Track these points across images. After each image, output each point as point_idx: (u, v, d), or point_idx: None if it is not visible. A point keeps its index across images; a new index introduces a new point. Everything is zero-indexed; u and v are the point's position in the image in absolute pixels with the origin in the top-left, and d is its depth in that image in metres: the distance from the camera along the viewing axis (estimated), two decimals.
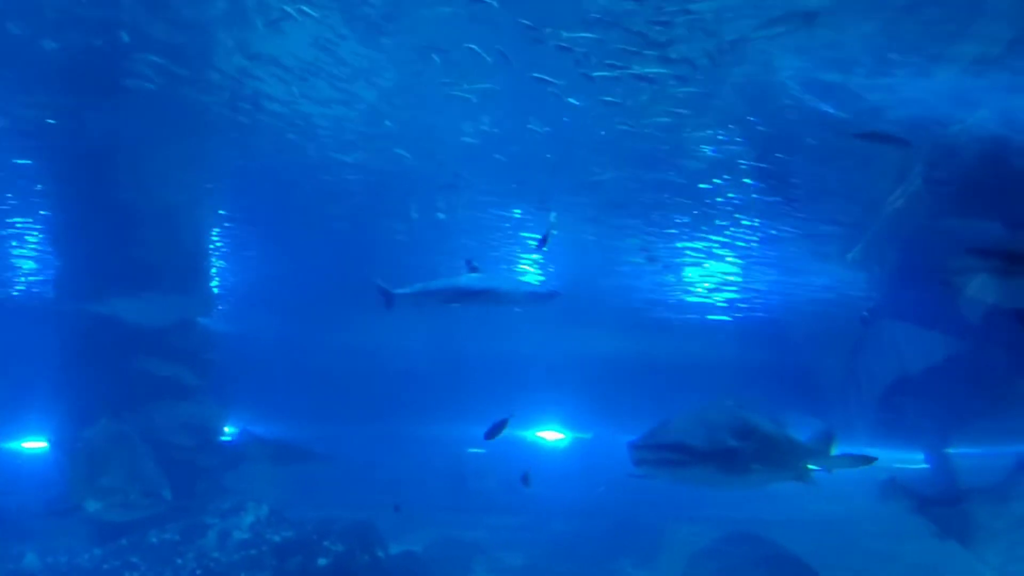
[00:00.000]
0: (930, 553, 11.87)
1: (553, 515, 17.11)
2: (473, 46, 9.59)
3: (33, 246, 17.45)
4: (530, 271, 19.63)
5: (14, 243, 17.15)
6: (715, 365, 21.10)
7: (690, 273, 18.07)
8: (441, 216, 15.52)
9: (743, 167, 12.43)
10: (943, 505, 12.38)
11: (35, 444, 17.67)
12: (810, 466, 8.07)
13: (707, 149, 11.95)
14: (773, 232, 14.98)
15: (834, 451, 8.40)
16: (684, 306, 20.40)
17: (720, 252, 16.39)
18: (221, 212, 16.13)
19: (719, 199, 13.67)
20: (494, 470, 21.35)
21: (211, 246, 17.63)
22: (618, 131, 11.43)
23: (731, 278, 18.27)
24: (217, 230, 17.00)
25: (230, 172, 14.09)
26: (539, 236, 15.96)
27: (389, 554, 12.71)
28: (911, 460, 15.00)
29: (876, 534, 12.42)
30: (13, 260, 18.53)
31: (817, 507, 14.29)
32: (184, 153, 13.24)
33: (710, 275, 18.16)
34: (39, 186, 14.52)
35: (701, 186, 13.20)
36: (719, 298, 19.63)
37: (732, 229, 15.09)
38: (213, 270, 19.13)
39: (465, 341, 24.29)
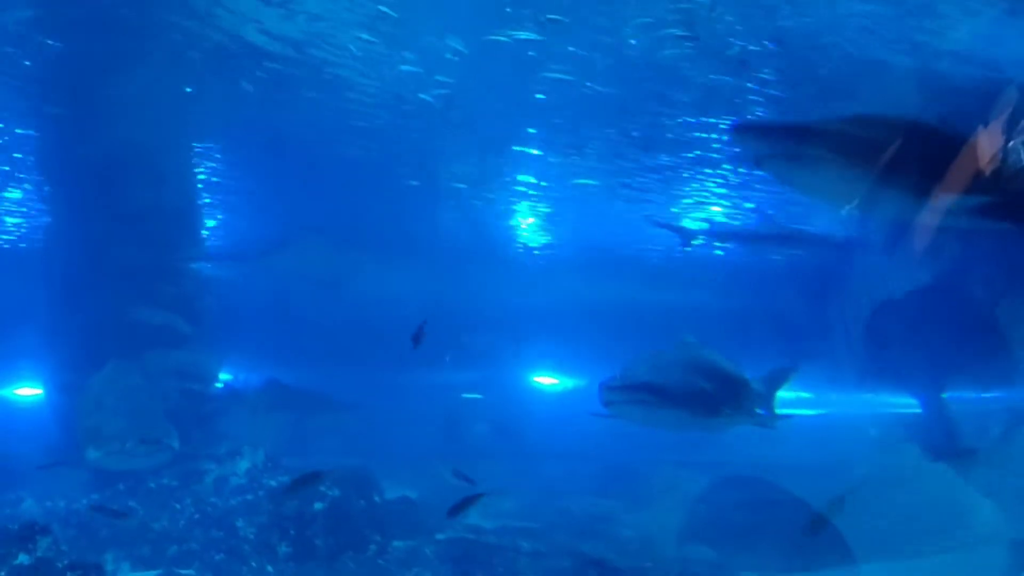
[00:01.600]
0: (923, 500, 11.98)
1: (545, 459, 17.28)
2: None
3: (22, 194, 17.35)
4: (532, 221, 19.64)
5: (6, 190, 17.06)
6: (708, 310, 21.17)
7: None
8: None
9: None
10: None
11: (29, 391, 17.75)
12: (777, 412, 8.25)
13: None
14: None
15: (784, 390, 8.50)
16: (674, 250, 20.35)
17: (717, 191, 16.34)
18: (215, 157, 16.01)
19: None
20: (488, 415, 21.56)
21: (203, 188, 17.54)
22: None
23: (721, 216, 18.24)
24: (207, 173, 16.90)
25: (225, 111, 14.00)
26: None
27: (385, 499, 12.83)
28: (903, 405, 15.15)
29: (867, 480, 12.51)
30: (3, 205, 18.45)
31: (808, 453, 14.44)
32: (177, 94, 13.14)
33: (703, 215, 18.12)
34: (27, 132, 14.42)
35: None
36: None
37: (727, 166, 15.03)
38: (208, 218, 19.06)
39: (460, 290, 24.28)
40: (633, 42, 10.77)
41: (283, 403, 18.20)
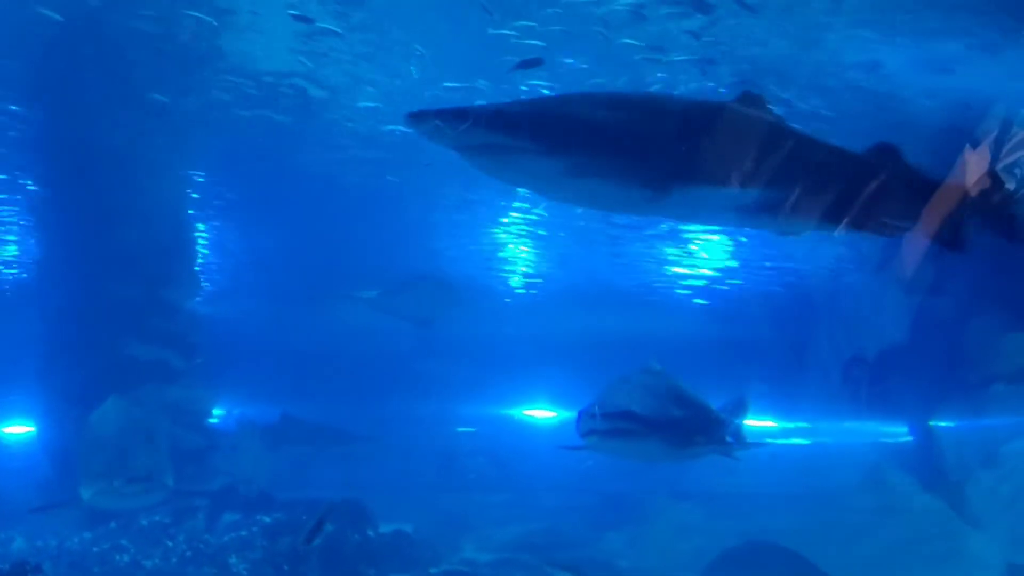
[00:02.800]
0: (915, 528, 11.99)
1: (541, 491, 17.24)
2: None
3: (15, 229, 17.35)
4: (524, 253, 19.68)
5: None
6: (699, 343, 21.22)
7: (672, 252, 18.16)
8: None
9: None
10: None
11: (20, 428, 17.68)
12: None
13: None
14: None
15: (745, 420, 8.43)
16: (668, 285, 20.49)
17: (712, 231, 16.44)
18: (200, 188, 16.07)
19: None
20: (483, 448, 21.51)
21: (195, 229, 17.58)
22: None
23: (720, 256, 18.37)
24: (201, 215, 16.96)
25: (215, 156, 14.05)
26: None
27: (379, 533, 12.79)
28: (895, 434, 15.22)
29: (859, 509, 12.55)
30: None
31: (801, 481, 14.48)
32: (169, 140, 13.20)
33: (696, 254, 18.25)
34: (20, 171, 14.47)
35: None
36: (705, 273, 19.70)
37: None
38: (199, 257, 19.09)
39: (452, 322, 24.29)
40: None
41: (297, 437, 18.17)
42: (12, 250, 18.54)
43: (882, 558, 11.01)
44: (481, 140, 4.62)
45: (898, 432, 14.75)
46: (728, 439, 8.05)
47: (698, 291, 20.82)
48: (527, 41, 9.72)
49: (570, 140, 4.70)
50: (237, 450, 16.39)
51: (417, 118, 4.62)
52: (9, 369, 16.42)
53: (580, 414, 7.19)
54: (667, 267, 19.30)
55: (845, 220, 5.39)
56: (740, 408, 8.76)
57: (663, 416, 7.20)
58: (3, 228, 17.19)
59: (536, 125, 4.72)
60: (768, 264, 18.60)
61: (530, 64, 9.68)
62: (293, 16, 9.47)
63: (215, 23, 9.80)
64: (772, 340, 21.26)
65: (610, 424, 7.02)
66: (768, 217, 5.30)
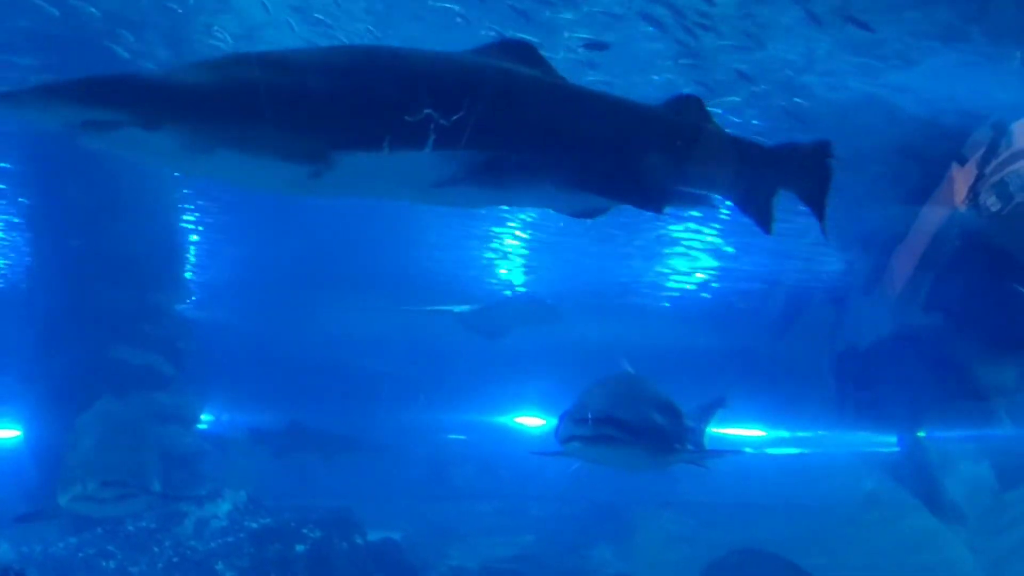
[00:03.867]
0: (905, 539, 12.01)
1: (530, 500, 17.23)
2: None
3: (2, 231, 17.28)
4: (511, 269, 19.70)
5: None
6: (690, 350, 21.25)
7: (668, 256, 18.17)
8: None
9: None
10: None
11: (7, 433, 17.54)
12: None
13: None
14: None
15: (714, 423, 8.19)
16: (658, 292, 20.53)
17: (705, 235, 16.46)
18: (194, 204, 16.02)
19: None
20: (473, 457, 21.47)
21: (187, 234, 17.53)
22: None
23: (712, 263, 18.39)
24: (192, 217, 16.90)
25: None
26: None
27: (368, 541, 12.73)
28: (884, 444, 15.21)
29: (850, 520, 12.56)
30: None
31: (789, 491, 14.48)
32: None
33: (692, 260, 18.28)
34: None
35: None
36: (696, 280, 19.75)
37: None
38: (189, 258, 19.04)
39: (441, 331, 24.27)
40: None
41: (306, 445, 18.12)
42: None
43: (870, 569, 11.02)
44: (82, 116, 3.87)
45: (888, 442, 14.77)
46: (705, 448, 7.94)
47: (688, 298, 20.85)
48: None
49: (184, 109, 3.93)
50: (229, 456, 16.39)
51: (7, 100, 3.82)
52: None
53: (561, 419, 6.96)
54: (657, 274, 19.34)
55: (635, 188, 4.76)
56: (708, 414, 8.49)
57: (646, 423, 7.00)
58: None
59: (143, 94, 3.96)
60: (758, 271, 18.66)
61: (596, 47, 9.58)
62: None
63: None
64: (760, 348, 21.32)
65: (593, 430, 6.76)
66: (518, 189, 4.67)
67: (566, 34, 9.63)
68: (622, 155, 4.72)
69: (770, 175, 5.33)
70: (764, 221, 5.33)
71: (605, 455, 7.07)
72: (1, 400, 17.54)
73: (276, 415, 19.81)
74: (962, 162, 10.68)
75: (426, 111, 4.05)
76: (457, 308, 18.72)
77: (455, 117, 4.05)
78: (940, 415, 12.96)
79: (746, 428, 24.22)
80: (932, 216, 11.38)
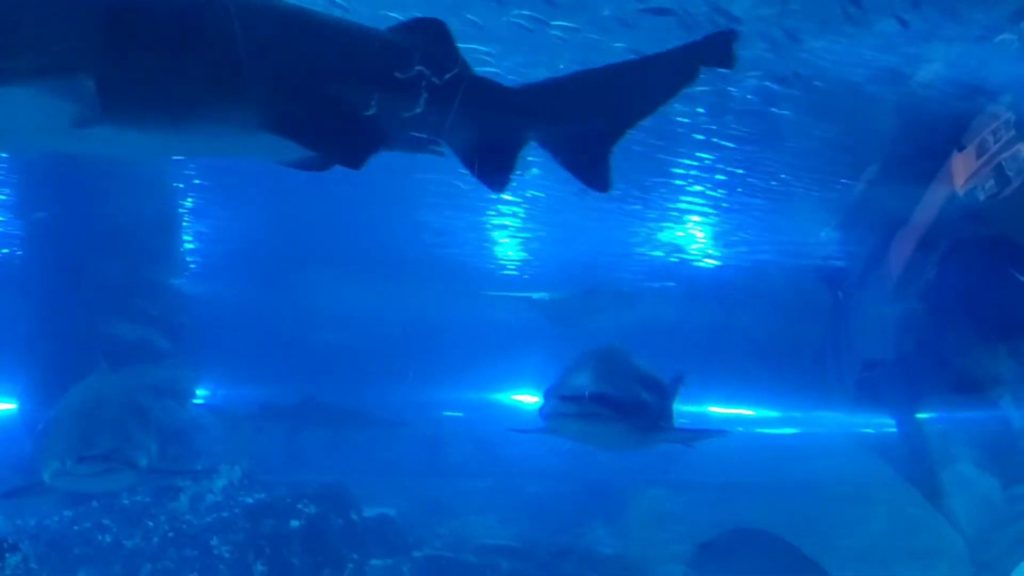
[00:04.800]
0: (897, 522, 12.04)
1: (525, 477, 17.27)
2: None
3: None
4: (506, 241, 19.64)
5: None
6: (686, 328, 21.26)
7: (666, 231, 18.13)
8: None
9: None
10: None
11: (1, 406, 17.54)
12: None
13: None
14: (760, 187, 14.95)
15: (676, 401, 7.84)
16: (655, 268, 20.49)
17: (701, 209, 16.41)
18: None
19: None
20: (469, 434, 21.49)
21: (183, 206, 17.45)
22: None
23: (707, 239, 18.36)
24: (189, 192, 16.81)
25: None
26: None
27: (363, 516, 12.79)
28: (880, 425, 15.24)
29: (844, 498, 12.60)
30: None
31: (784, 471, 14.50)
32: None
33: (686, 234, 18.24)
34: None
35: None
36: (691, 255, 19.73)
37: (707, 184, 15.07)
38: (186, 235, 18.97)
39: (439, 306, 24.26)
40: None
41: (320, 420, 18.15)
42: None
43: (864, 551, 11.05)
44: None
45: (884, 423, 14.79)
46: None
47: (684, 274, 20.79)
48: None
49: None
50: (240, 431, 16.42)
51: None
52: None
53: (547, 395, 6.75)
54: (654, 250, 19.30)
55: (332, 134, 3.86)
56: (672, 390, 8.09)
57: (635, 400, 6.83)
58: None
59: None
60: (757, 248, 18.62)
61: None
62: None
63: None
64: (756, 327, 21.33)
65: (581, 407, 6.56)
66: (191, 131, 3.72)
67: None
68: (319, 89, 3.78)
69: (521, 123, 4.52)
70: (496, 182, 4.54)
71: (591, 432, 6.92)
72: None
73: (275, 390, 19.84)
74: (965, 144, 10.62)
75: (39, 27, 3.11)
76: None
77: (77, 34, 3.17)
78: (939, 399, 12.96)
79: (737, 408, 24.34)
80: (936, 198, 11.32)
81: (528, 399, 27.59)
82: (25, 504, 11.53)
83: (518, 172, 13.63)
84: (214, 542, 11.45)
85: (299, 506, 12.07)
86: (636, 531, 13.32)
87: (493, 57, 9.94)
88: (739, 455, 15.91)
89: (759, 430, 22.34)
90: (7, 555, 8.10)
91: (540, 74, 9.10)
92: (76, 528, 11.46)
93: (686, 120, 12.54)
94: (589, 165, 4.68)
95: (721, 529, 11.69)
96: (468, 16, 9.14)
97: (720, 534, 11.65)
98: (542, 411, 6.75)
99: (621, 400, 6.67)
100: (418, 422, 20.87)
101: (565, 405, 6.61)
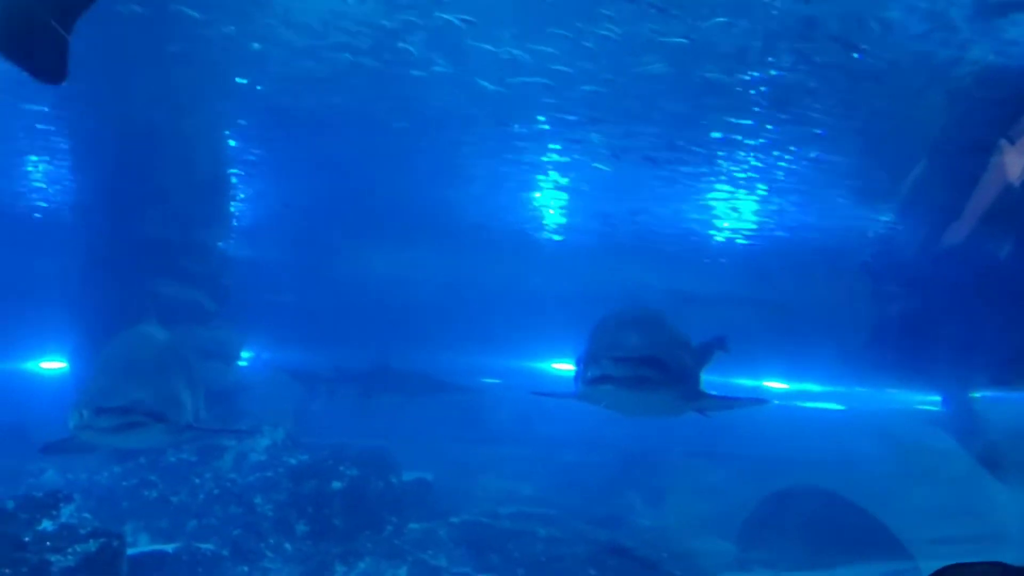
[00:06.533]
0: (943, 497, 11.89)
1: (563, 446, 17.33)
2: None
3: (51, 164, 17.48)
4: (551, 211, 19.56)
5: (34, 158, 17.16)
6: (729, 299, 21.06)
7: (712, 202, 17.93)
8: None
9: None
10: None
11: (55, 364, 18.01)
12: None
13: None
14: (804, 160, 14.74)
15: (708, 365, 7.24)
16: (700, 238, 20.29)
17: (743, 179, 16.20)
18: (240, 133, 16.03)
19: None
20: (508, 401, 21.59)
21: (231, 169, 17.62)
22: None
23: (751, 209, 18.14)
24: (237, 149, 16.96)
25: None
26: None
27: (402, 481, 12.92)
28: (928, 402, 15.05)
29: (880, 476, 12.47)
30: (32, 177, 18.61)
31: (828, 446, 14.37)
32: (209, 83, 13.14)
33: (732, 206, 18.03)
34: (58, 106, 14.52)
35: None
36: (737, 227, 19.50)
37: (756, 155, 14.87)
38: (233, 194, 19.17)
39: (481, 272, 24.30)
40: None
41: (390, 386, 18.37)
42: (45, 191, 18.74)
43: (907, 526, 10.92)
44: None
45: (932, 400, 14.60)
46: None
47: (730, 246, 20.57)
48: None
49: None
50: (315, 393, 16.66)
51: None
52: (45, 305, 16.66)
53: (586, 358, 6.22)
54: (700, 219, 19.09)
55: None
56: (705, 355, 7.55)
57: (680, 364, 6.32)
58: (39, 163, 17.35)
59: None
60: (804, 220, 18.35)
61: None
62: None
63: None
64: (804, 300, 21.07)
65: (632, 370, 5.98)
66: None
67: None
68: None
69: None
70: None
71: (636, 399, 6.28)
72: (50, 333, 17.97)
73: (318, 354, 20.06)
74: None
75: None
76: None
77: None
78: (993, 376, 12.75)
79: (777, 381, 24.16)
80: (995, 174, 11.06)
81: (569, 368, 27.66)
82: (76, 460, 11.83)
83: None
84: (257, 500, 11.66)
85: (340, 468, 12.23)
86: (674, 502, 13.32)
87: None
88: (782, 429, 15.81)
89: (804, 404, 22.14)
90: (62, 505, 8.34)
91: None
92: (124, 484, 11.77)
93: (734, 97, 12.43)
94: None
95: (760, 501, 11.66)
96: None
97: (775, 492, 11.49)
98: (581, 374, 6.26)
99: (670, 364, 6.14)
100: (489, 389, 20.97)
101: (615, 367, 5.96)
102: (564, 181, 17.83)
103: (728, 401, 7.11)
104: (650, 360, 6.05)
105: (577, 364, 6.49)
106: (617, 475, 15.58)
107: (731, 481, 13.31)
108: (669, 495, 13.82)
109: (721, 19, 10.11)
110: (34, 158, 17.12)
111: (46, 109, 14.69)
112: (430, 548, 11.33)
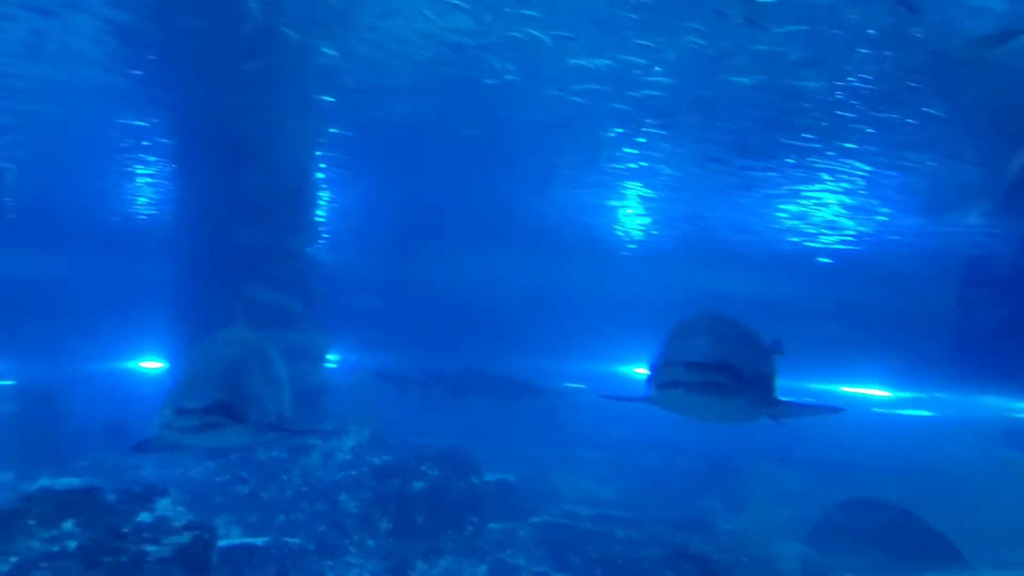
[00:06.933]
0: None
1: (644, 449, 17.25)
2: None
3: (153, 174, 18.30)
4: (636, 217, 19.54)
5: (139, 168, 17.97)
6: (816, 304, 20.65)
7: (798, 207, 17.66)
8: None
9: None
10: None
11: (154, 364, 18.75)
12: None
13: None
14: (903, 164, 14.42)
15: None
16: (784, 243, 19.99)
17: (833, 185, 15.92)
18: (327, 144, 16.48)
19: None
20: (590, 405, 21.59)
21: (318, 177, 18.13)
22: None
23: (839, 213, 17.78)
24: (323, 164, 17.45)
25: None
26: None
27: (483, 481, 13.06)
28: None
29: (972, 483, 12.04)
30: (136, 190, 19.52)
31: (915, 453, 13.94)
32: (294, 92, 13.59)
33: (819, 210, 17.73)
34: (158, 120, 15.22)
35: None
36: (825, 233, 19.14)
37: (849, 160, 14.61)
38: (320, 201, 19.69)
39: (566, 276, 24.36)
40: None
41: (483, 389, 18.69)
42: (149, 192, 19.60)
43: (992, 535, 10.55)
44: None
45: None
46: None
47: (816, 251, 20.21)
48: None
49: None
50: (407, 394, 17.00)
51: None
52: (146, 307, 17.38)
53: (658, 363, 6.06)
54: (783, 224, 18.82)
55: None
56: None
57: (754, 370, 6.10)
58: (141, 170, 18.18)
59: None
60: (892, 226, 17.90)
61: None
62: None
63: None
64: (895, 306, 20.49)
65: (703, 376, 5.82)
66: None
67: None
68: None
69: None
70: None
71: (707, 404, 6.12)
72: (150, 335, 18.75)
73: (403, 357, 20.40)
74: None
75: None
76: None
77: None
78: None
79: (870, 388, 23.48)
80: None
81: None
82: (171, 456, 12.32)
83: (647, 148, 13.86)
84: (343, 498, 11.94)
85: (423, 468, 12.41)
86: (755, 506, 13.13)
87: None
88: (867, 436, 15.43)
89: (892, 411, 21.52)
90: (158, 499, 8.72)
91: None
92: (217, 479, 12.20)
93: (820, 104, 12.28)
94: None
95: (842, 508, 11.41)
96: None
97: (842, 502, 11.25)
98: (653, 379, 6.12)
99: (744, 371, 5.96)
100: (574, 394, 21.00)
101: (686, 373, 5.84)
102: (648, 192, 17.84)
103: (803, 408, 6.87)
104: (722, 366, 5.93)
105: (649, 368, 6.33)
106: (698, 479, 15.45)
107: (813, 487, 13.05)
108: (750, 500, 13.62)
109: (809, 28, 10.03)
110: (140, 169, 18.02)
111: (149, 126, 15.47)
112: (510, 548, 11.43)
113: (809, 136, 13.75)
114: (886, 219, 17.63)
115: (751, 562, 10.91)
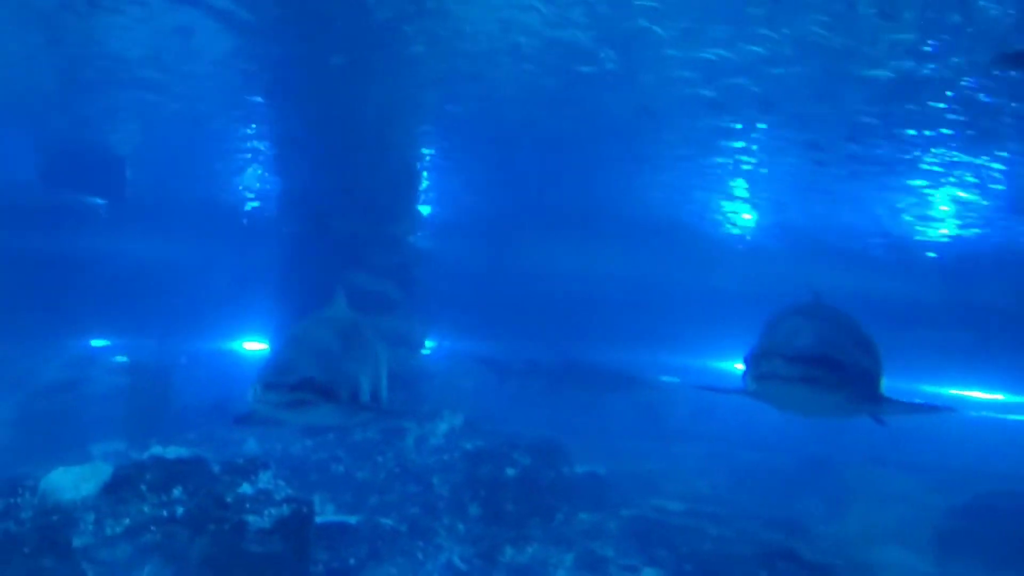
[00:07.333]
0: None
1: (741, 445, 16.93)
2: None
3: (260, 164, 18.88)
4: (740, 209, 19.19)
5: (249, 158, 18.59)
6: (925, 304, 19.89)
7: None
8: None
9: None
10: None
11: (257, 345, 19.36)
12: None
13: None
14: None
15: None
16: (897, 239, 19.29)
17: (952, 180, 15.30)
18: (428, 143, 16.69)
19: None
20: (685, 399, 21.33)
21: (421, 170, 18.42)
22: None
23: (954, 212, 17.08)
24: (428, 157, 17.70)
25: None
26: None
27: (574, 472, 13.03)
28: None
29: None
30: (246, 182, 20.19)
31: (1015, 458, 13.25)
32: (401, 89, 13.81)
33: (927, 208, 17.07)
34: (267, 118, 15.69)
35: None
36: (936, 229, 18.39)
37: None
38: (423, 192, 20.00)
39: (667, 270, 24.09)
40: None
41: (582, 381, 18.83)
42: (254, 183, 20.24)
43: None
44: None
45: None
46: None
47: (927, 247, 19.43)
48: None
49: None
50: (505, 382, 17.21)
51: None
52: (250, 291, 18.00)
53: (755, 354, 5.83)
54: (893, 220, 18.17)
55: None
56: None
57: (856, 365, 5.84)
58: (249, 162, 18.79)
59: None
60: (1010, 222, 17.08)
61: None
62: None
63: None
64: (1013, 306, 19.58)
65: (802, 370, 5.60)
66: None
67: None
68: None
69: None
70: None
71: (803, 398, 5.87)
72: (254, 317, 19.40)
73: (499, 345, 20.55)
74: None
75: None
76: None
77: None
78: None
79: (986, 392, 22.41)
80: None
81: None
82: (273, 432, 12.73)
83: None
84: (435, 481, 12.08)
85: (515, 455, 12.45)
86: (855, 509, 12.68)
87: None
88: (981, 440, 14.76)
89: (1002, 416, 20.53)
90: (259, 471, 9.02)
91: None
92: (315, 457, 12.54)
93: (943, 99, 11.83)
94: None
95: (949, 514, 10.94)
96: None
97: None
98: (751, 371, 5.86)
99: (846, 365, 5.70)
100: (671, 387, 20.80)
101: (786, 366, 5.61)
102: (754, 185, 17.47)
103: (910, 407, 6.53)
104: (823, 359, 5.66)
105: (746, 360, 6.02)
106: (796, 478, 15.05)
107: (918, 491, 12.54)
108: (850, 502, 13.19)
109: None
110: (249, 158, 18.63)
111: (260, 118, 15.98)
112: (598, 538, 11.35)
113: (937, 132, 13.24)
114: (1002, 215, 16.86)
115: (850, 567, 10.56)
